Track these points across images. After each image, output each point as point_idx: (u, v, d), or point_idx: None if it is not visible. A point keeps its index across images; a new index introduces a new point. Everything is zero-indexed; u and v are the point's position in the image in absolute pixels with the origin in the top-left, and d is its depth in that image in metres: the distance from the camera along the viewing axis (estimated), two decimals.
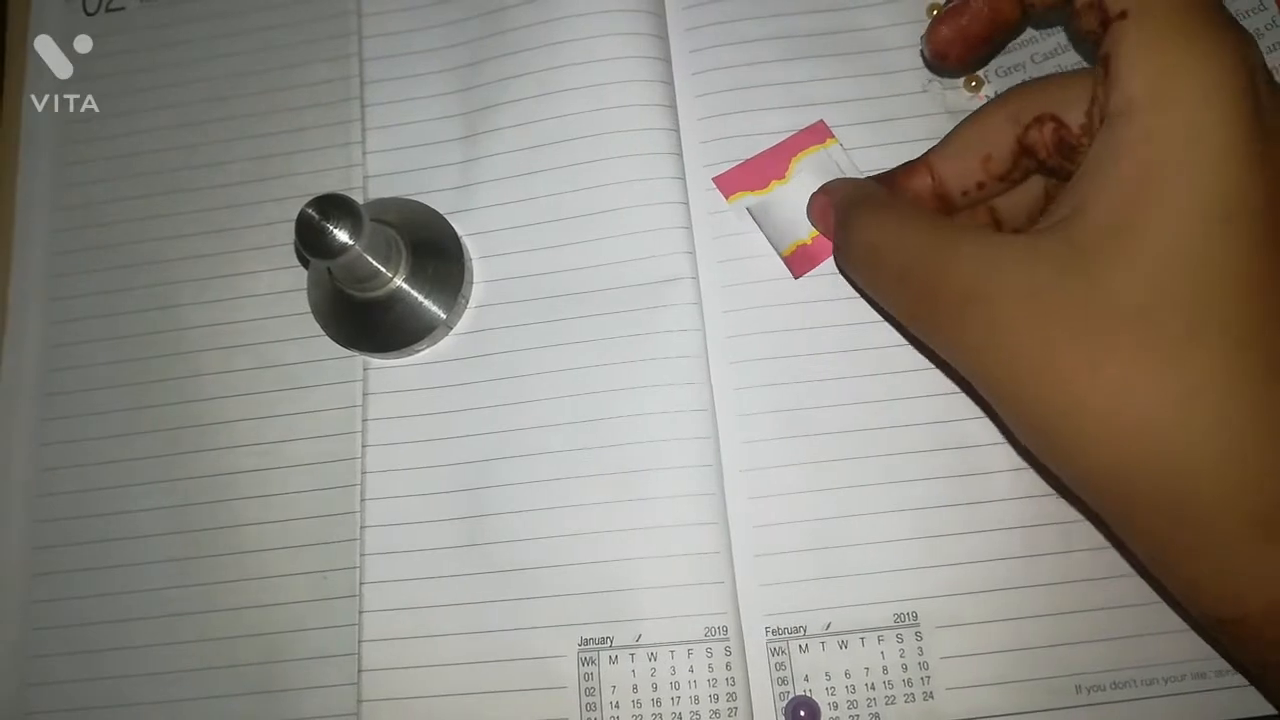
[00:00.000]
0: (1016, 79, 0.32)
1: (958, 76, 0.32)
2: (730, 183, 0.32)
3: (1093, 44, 0.24)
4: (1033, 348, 0.22)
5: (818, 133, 0.32)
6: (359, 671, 0.29)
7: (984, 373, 0.24)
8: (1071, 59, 0.32)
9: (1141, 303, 0.21)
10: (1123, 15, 0.22)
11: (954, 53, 0.29)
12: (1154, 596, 0.28)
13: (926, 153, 0.29)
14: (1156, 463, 0.21)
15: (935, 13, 0.28)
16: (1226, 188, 0.21)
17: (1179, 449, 0.21)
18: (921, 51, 0.32)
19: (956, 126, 0.28)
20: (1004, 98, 0.27)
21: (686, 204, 0.32)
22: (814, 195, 0.30)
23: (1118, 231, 0.21)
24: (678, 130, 0.32)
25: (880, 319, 0.30)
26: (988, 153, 0.27)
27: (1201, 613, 0.23)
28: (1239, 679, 0.27)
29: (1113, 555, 0.28)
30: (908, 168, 0.29)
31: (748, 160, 0.32)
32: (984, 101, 0.31)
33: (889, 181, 0.29)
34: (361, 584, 0.30)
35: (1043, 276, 0.22)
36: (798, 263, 0.31)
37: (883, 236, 0.26)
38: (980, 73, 0.33)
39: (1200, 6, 0.22)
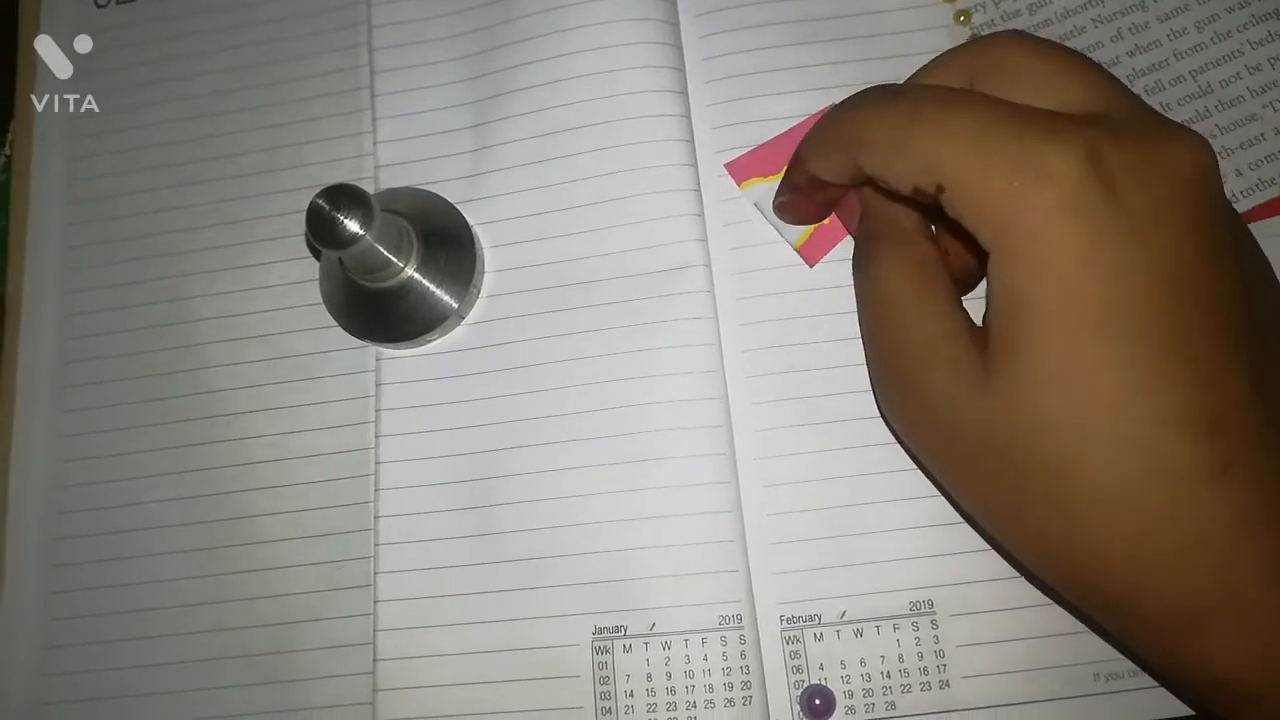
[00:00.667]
0: None
1: None
2: (742, 169, 0.32)
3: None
4: (941, 445, 0.25)
5: None
6: (375, 660, 0.29)
7: (912, 447, 0.27)
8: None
9: (1028, 424, 0.22)
10: (941, 189, 0.22)
11: (810, 223, 0.31)
12: None
13: None
14: (1064, 563, 0.23)
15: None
16: (1087, 304, 0.21)
17: (1081, 559, 0.22)
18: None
19: None
20: None
21: (698, 191, 0.32)
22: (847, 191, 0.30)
23: (999, 357, 0.22)
24: (689, 116, 0.32)
25: None
26: None
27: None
28: None
29: None
30: None
31: (760, 146, 0.32)
32: None
33: None
34: (376, 573, 0.30)
35: (961, 388, 0.23)
36: (812, 250, 0.31)
37: (890, 281, 0.26)
38: None
39: (1007, 151, 0.21)
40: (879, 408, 0.29)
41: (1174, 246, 0.21)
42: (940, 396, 0.23)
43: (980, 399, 0.22)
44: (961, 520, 0.28)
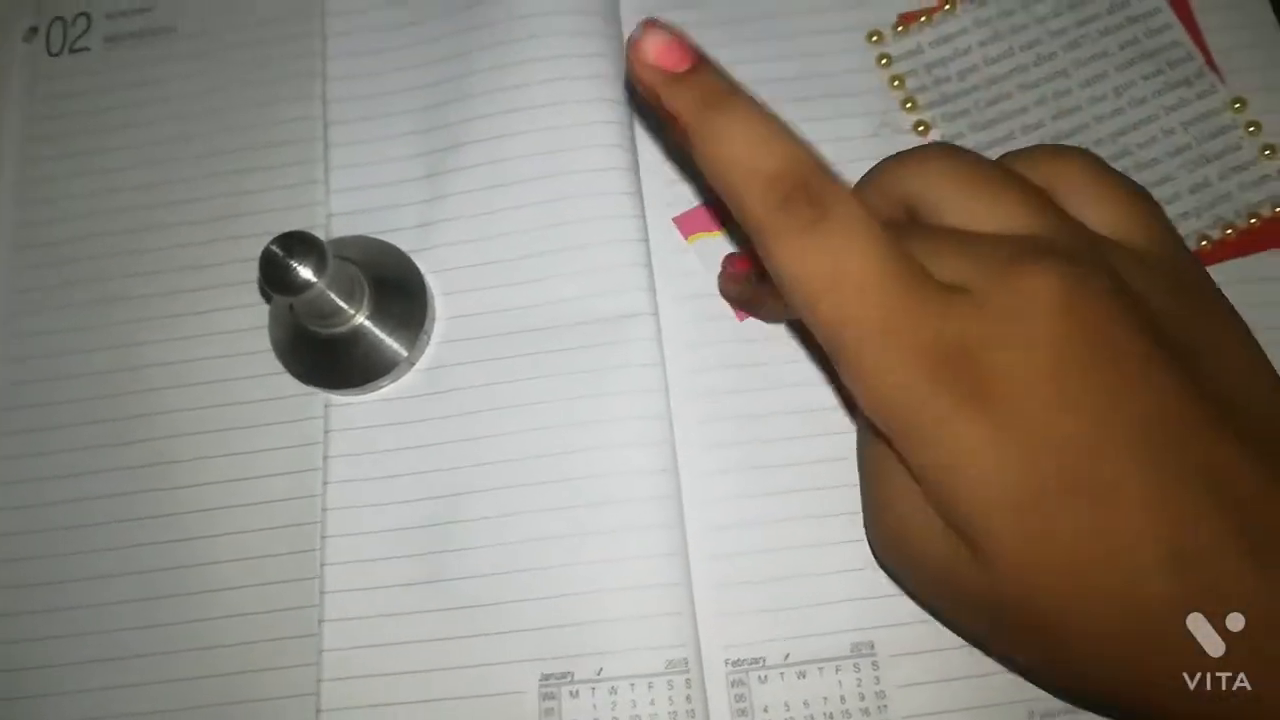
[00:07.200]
0: (964, 123, 0.34)
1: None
2: (689, 223, 0.33)
3: None
4: (941, 598, 0.26)
5: None
6: (318, 711, 0.29)
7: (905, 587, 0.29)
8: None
9: (1017, 593, 0.22)
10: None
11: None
12: None
13: None
14: (1072, 687, 0.26)
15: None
16: (1008, 492, 0.21)
17: (1088, 687, 0.24)
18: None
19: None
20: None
21: (646, 241, 0.32)
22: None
23: (966, 541, 0.22)
24: (637, 170, 0.33)
25: None
26: None
27: None
28: None
29: None
30: None
31: (707, 202, 0.33)
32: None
33: None
34: (321, 622, 0.30)
35: (958, 562, 0.23)
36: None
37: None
38: (928, 116, 0.34)
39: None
40: (871, 547, 0.29)
41: (1059, 417, 0.21)
42: (940, 566, 0.23)
43: (974, 571, 0.22)
44: None
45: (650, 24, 0.24)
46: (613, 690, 0.29)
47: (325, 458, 0.31)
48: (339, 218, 0.33)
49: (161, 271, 0.34)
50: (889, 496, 0.24)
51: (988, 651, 0.28)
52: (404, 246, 0.33)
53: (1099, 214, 0.24)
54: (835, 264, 0.21)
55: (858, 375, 0.22)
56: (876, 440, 0.24)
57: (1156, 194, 0.32)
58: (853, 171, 0.33)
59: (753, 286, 0.30)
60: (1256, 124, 0.33)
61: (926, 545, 0.23)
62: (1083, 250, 0.23)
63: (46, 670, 0.30)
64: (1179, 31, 0.34)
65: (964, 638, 0.28)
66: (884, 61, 0.35)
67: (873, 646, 0.29)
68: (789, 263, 0.22)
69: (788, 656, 0.29)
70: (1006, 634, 0.24)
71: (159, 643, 0.30)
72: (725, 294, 0.32)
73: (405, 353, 0.31)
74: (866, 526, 0.27)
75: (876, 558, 0.29)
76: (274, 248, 0.27)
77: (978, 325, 0.21)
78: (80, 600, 0.31)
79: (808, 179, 0.22)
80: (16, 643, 0.31)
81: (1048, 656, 0.23)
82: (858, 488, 0.30)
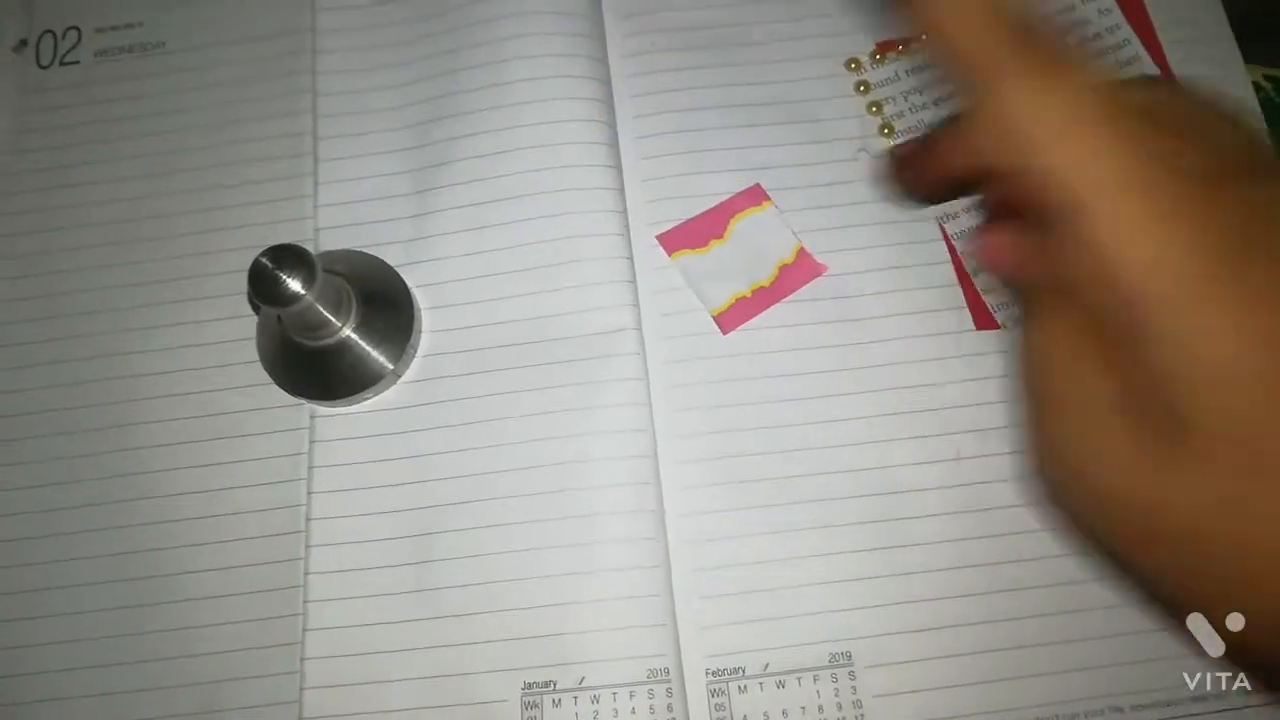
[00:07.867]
0: None
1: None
2: (672, 241, 0.34)
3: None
4: (1114, 522, 0.24)
5: (754, 195, 0.34)
6: (300, 718, 0.29)
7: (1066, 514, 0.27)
8: None
9: (1235, 511, 0.21)
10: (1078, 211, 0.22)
11: (918, 194, 0.32)
12: (1073, 634, 0.29)
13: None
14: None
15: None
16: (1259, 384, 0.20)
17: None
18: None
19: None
20: None
21: (630, 259, 0.33)
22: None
23: (1184, 439, 0.21)
24: (622, 190, 0.34)
25: (810, 370, 0.32)
26: None
27: None
28: (1153, 712, 0.29)
29: (1034, 595, 0.30)
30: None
31: (689, 220, 0.34)
32: None
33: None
34: (305, 630, 0.30)
35: (1146, 466, 0.22)
36: (728, 319, 0.33)
37: (1057, 338, 0.25)
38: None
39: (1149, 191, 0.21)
40: (1035, 469, 0.27)
41: None
42: (1124, 470, 0.22)
43: (1171, 477, 0.21)
44: (877, 575, 0.30)
45: None
46: (595, 699, 0.29)
47: (310, 468, 0.32)
48: (328, 231, 0.34)
49: (149, 283, 0.34)
50: (1067, 408, 0.23)
51: (1149, 581, 0.25)
52: (392, 261, 0.33)
53: None
54: (1072, 113, 0.21)
55: (1093, 235, 0.21)
56: (1052, 352, 0.24)
57: None
58: (834, 195, 0.34)
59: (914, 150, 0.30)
60: None
61: (1108, 455, 0.22)
62: None
63: (31, 677, 0.30)
64: (1146, 64, 0.35)
65: (1126, 568, 0.27)
66: (862, 89, 0.36)
67: (850, 657, 0.29)
68: (1021, 103, 0.21)
69: (767, 666, 0.29)
70: (1186, 554, 0.22)
71: (142, 650, 0.30)
72: (900, 169, 0.32)
73: (391, 365, 0.31)
74: (1033, 448, 0.26)
75: (1042, 482, 0.27)
76: (264, 260, 0.28)
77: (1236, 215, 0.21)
78: (63, 607, 0.31)
79: (1049, 27, 0.22)
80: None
81: (1221, 582, 0.22)
82: (835, 502, 0.30)
